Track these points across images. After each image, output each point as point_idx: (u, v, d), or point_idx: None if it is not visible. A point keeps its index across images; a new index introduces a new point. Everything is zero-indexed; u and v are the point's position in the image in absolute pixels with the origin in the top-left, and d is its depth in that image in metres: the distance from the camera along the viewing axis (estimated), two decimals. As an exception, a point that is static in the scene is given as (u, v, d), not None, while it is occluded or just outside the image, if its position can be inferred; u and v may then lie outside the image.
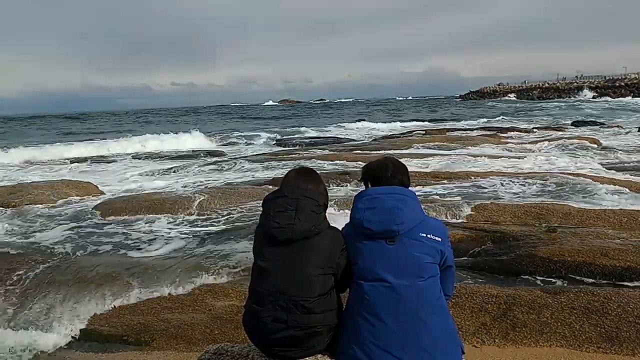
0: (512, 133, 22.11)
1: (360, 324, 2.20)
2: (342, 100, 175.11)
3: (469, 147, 16.17)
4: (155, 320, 4.19)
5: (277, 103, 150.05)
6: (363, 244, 2.27)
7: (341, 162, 13.09)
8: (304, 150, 17.90)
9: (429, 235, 2.24)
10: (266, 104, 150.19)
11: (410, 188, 2.44)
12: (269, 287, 2.22)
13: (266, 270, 2.25)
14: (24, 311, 4.44)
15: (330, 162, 13.09)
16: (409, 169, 2.57)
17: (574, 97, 74.21)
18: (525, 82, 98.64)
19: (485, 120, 35.69)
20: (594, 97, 71.08)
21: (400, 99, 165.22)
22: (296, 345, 2.22)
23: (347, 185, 9.75)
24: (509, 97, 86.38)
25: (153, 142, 24.12)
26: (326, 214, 2.40)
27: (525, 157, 13.50)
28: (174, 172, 13.99)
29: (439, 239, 2.26)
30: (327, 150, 16.74)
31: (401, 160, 2.59)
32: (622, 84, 76.54)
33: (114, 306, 4.42)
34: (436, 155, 13.98)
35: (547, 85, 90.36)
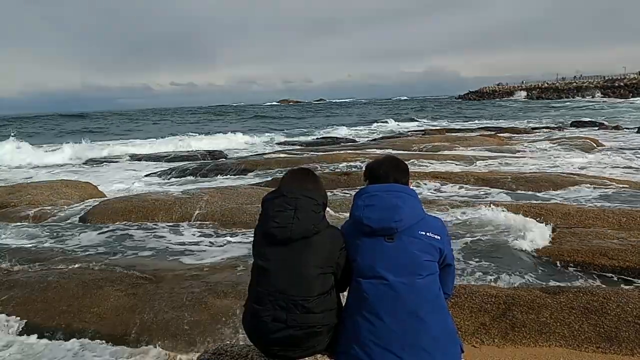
0: (511, 134, 22.12)
1: (359, 323, 2.20)
2: (344, 100, 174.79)
3: (481, 147, 16.16)
4: (155, 319, 4.18)
5: (277, 103, 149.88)
6: (362, 241, 2.27)
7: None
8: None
9: (428, 233, 2.24)
10: (268, 103, 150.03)
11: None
12: (269, 287, 2.22)
13: (266, 270, 2.25)
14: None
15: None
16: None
17: (574, 97, 74.25)
18: (523, 82, 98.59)
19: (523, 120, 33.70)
20: (593, 97, 71.11)
21: (405, 98, 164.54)
22: (296, 345, 2.22)
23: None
24: (515, 97, 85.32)
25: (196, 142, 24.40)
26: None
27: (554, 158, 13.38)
28: (170, 175, 13.97)
29: (438, 237, 2.26)
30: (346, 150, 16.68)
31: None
32: (622, 84, 76.63)
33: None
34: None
35: (546, 85, 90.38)
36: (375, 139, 23.00)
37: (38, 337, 4.11)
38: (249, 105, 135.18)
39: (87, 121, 61.11)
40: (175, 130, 36.52)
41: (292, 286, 2.19)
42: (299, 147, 20.56)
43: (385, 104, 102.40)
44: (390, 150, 15.90)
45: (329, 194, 8.77)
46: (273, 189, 2.44)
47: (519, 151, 15.40)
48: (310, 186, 2.38)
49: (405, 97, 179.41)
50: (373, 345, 2.15)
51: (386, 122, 39.01)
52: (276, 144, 24.83)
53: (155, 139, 27.07)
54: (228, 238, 6.86)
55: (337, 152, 15.69)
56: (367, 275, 2.23)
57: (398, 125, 35.31)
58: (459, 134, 22.21)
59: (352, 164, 12.84)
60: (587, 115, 36.28)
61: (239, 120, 55.81)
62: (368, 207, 2.29)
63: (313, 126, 39.20)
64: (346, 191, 9.26)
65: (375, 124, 37.19)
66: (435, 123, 36.17)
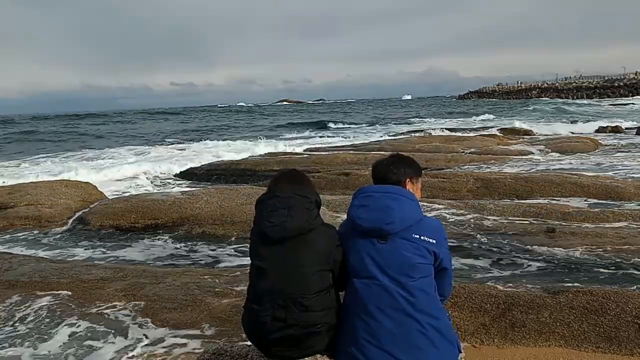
0: (512, 134, 22.11)
1: (355, 323, 2.21)
2: (348, 100, 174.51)
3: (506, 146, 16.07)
4: (155, 320, 4.19)
5: (288, 103, 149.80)
6: (355, 241, 2.28)
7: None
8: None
9: (422, 237, 2.23)
10: (267, 103, 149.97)
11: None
12: (267, 286, 2.23)
13: (263, 270, 2.26)
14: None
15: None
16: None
17: (573, 97, 74.23)
18: (518, 82, 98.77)
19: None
20: (593, 98, 71.10)
21: (408, 97, 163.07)
22: (295, 345, 2.22)
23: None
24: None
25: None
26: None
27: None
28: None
29: (433, 241, 2.24)
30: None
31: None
32: (621, 84, 76.72)
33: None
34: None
35: (546, 85, 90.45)
36: (376, 140, 22.97)
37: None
38: (255, 105, 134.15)
39: (138, 123, 51.48)
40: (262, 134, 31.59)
41: (290, 284, 2.20)
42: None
43: (397, 103, 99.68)
44: (388, 152, 15.87)
45: (328, 194, 8.79)
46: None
47: (520, 152, 15.39)
48: (302, 185, 2.40)
49: (409, 97, 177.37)
50: (369, 345, 2.15)
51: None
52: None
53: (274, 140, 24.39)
54: (227, 238, 6.87)
55: (337, 152, 15.69)
56: (360, 275, 2.24)
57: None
58: (458, 134, 22.18)
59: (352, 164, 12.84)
60: (587, 115, 36.29)
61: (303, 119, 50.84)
62: (362, 207, 2.30)
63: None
64: (346, 191, 9.26)
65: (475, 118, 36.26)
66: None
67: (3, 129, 39.73)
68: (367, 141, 21.51)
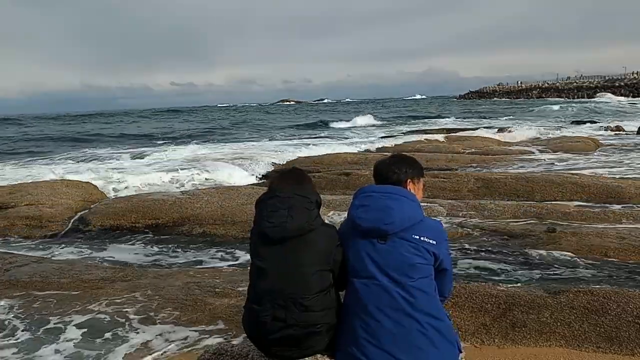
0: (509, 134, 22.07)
1: (355, 323, 2.21)
2: (347, 99, 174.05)
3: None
4: (155, 320, 4.19)
5: (294, 102, 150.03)
6: (355, 241, 2.29)
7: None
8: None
9: (422, 238, 2.23)
10: (267, 103, 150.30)
11: None
12: (267, 286, 2.23)
13: (263, 270, 2.26)
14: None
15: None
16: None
17: (574, 97, 74.13)
18: (519, 82, 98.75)
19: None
20: (593, 97, 71.00)
21: (414, 98, 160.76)
22: (295, 345, 2.23)
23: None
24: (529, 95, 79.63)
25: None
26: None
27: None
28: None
29: (434, 242, 2.24)
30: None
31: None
32: (622, 83, 76.71)
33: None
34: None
35: (546, 85, 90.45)
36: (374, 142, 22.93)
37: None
38: (258, 105, 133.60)
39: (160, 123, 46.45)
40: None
41: (290, 284, 2.20)
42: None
43: (407, 103, 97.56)
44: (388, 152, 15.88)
45: (329, 194, 8.78)
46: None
47: (521, 151, 15.37)
48: (303, 185, 2.40)
49: (417, 97, 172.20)
50: (368, 345, 2.16)
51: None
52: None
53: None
54: (228, 238, 6.87)
55: (337, 152, 15.69)
56: (360, 275, 2.24)
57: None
58: (459, 134, 22.15)
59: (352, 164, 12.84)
60: (586, 115, 36.30)
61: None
62: (362, 207, 2.31)
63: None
64: (346, 191, 9.26)
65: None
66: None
67: (11, 130, 38.48)
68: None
